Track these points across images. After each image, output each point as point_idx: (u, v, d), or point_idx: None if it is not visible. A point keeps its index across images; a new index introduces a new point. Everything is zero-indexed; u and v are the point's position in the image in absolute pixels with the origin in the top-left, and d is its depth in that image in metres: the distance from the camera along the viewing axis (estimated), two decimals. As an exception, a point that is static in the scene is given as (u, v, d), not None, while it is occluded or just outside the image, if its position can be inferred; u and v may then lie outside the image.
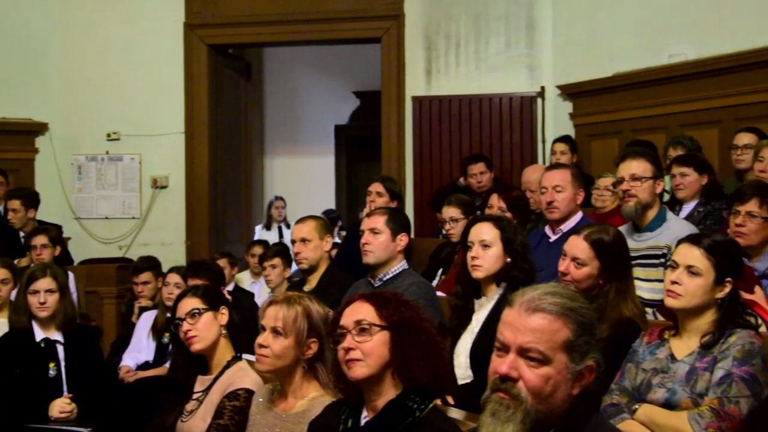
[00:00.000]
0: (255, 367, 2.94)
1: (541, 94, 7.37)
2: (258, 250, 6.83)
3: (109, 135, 8.04)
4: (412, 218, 7.61)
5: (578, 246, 3.21)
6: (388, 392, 2.36)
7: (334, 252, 5.77)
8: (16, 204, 6.23)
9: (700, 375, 2.70)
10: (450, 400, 3.42)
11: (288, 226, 8.35)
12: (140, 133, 7.94)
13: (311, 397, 2.79)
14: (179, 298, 3.39)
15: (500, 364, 1.88)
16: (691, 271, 2.79)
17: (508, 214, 4.65)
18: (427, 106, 7.57)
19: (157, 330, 5.20)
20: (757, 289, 3.43)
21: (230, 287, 6.32)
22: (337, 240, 7.06)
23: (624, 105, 6.72)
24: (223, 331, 3.30)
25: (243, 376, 3.16)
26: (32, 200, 6.38)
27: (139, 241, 8.05)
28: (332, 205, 10.68)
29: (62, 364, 4.20)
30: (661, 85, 6.43)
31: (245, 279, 7.05)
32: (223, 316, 3.32)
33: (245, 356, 3.34)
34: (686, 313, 2.82)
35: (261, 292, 6.48)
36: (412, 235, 7.22)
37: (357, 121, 11.02)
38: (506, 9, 7.42)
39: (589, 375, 1.90)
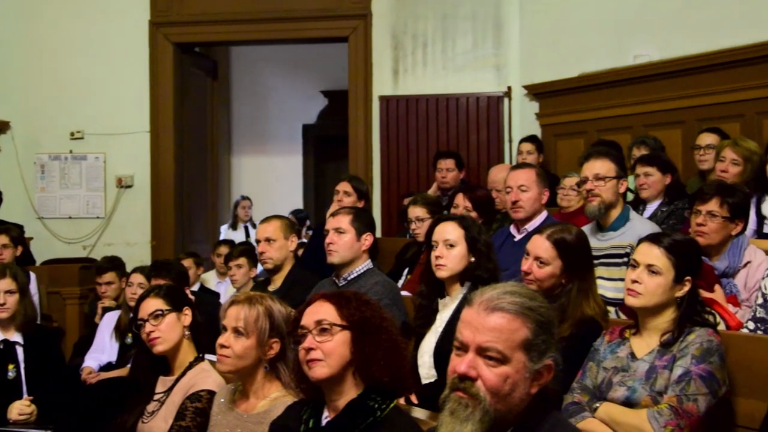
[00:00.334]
0: (216, 367, 2.91)
1: (508, 94, 7.40)
2: (224, 249, 6.77)
3: (72, 134, 7.95)
4: (379, 217, 7.62)
5: (541, 245, 3.23)
6: (349, 392, 2.35)
7: (300, 251, 5.78)
8: (-24, 204, 6.14)
9: (660, 373, 2.72)
10: (414, 399, 3.43)
11: (254, 226, 8.29)
12: (104, 132, 7.86)
13: (273, 398, 2.78)
14: (142, 298, 3.35)
15: (459, 363, 1.88)
16: (651, 270, 2.82)
17: (474, 214, 4.66)
18: (394, 105, 7.57)
19: (120, 330, 5.15)
20: (716, 287, 3.46)
21: (196, 287, 6.27)
22: (305, 240, 7.04)
23: (589, 105, 6.78)
24: (186, 332, 3.27)
25: (205, 377, 3.13)
26: (-7, 200, 6.29)
27: (104, 241, 7.96)
28: (300, 205, 10.65)
29: (21, 365, 4.14)
30: (626, 86, 6.49)
31: (211, 279, 7.00)
32: (186, 316, 3.29)
33: (208, 357, 3.31)
34: (646, 311, 2.85)
35: (227, 292, 6.43)
36: (379, 235, 7.25)
37: (325, 121, 11.00)
38: (473, 9, 7.45)
39: (548, 374, 1.91)
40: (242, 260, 5.78)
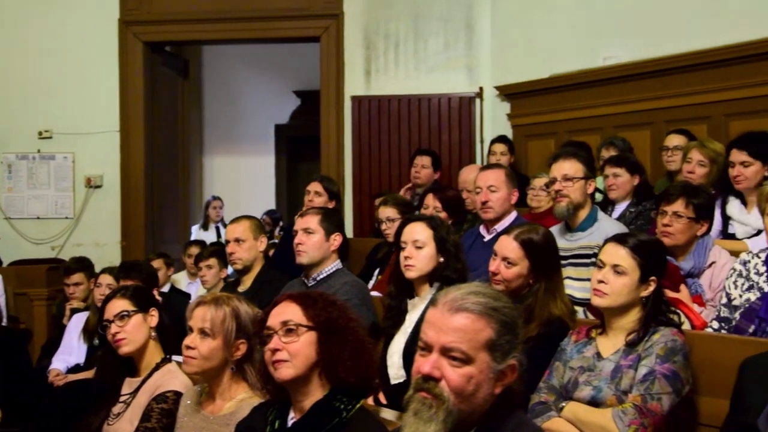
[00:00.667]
0: (182, 368, 2.90)
1: (480, 94, 7.42)
2: (194, 250, 6.72)
3: (40, 133, 7.84)
4: (351, 218, 7.61)
5: (508, 246, 3.24)
6: (315, 393, 2.35)
7: (271, 252, 5.76)
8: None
9: (625, 372, 2.75)
10: (383, 399, 3.43)
11: (226, 226, 8.25)
12: (73, 131, 7.75)
13: (239, 399, 2.77)
14: (107, 299, 3.33)
15: (423, 363, 1.88)
16: (616, 270, 2.84)
17: (443, 214, 4.68)
18: (366, 105, 7.56)
19: (88, 332, 5.10)
20: (682, 287, 3.49)
21: (166, 288, 6.24)
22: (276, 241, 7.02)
23: (560, 106, 6.81)
24: (153, 333, 3.25)
25: (171, 378, 3.11)
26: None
27: (73, 242, 7.87)
28: (272, 205, 10.62)
29: (-14, 368, 4.09)
30: (596, 87, 6.52)
31: (182, 279, 6.96)
32: (153, 317, 3.27)
33: (175, 358, 3.29)
34: (612, 311, 2.87)
35: (198, 293, 6.38)
36: (351, 235, 7.25)
37: (297, 121, 10.97)
38: (445, 10, 7.45)
39: (512, 374, 1.91)
40: (212, 261, 5.75)
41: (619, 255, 2.85)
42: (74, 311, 5.42)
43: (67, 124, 7.77)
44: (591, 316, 3.54)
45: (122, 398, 3.18)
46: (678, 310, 3.09)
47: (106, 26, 7.75)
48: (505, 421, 1.90)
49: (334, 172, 7.50)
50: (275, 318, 2.37)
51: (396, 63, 7.54)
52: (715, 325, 3.25)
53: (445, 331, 1.87)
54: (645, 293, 2.84)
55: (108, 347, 3.26)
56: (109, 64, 7.77)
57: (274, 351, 2.33)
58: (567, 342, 2.99)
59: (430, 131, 7.47)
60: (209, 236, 8.40)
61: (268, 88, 10.78)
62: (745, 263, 3.28)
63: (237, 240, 4.40)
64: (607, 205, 4.96)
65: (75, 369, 5.08)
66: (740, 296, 3.20)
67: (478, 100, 7.43)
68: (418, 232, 3.55)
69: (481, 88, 7.41)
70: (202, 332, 2.75)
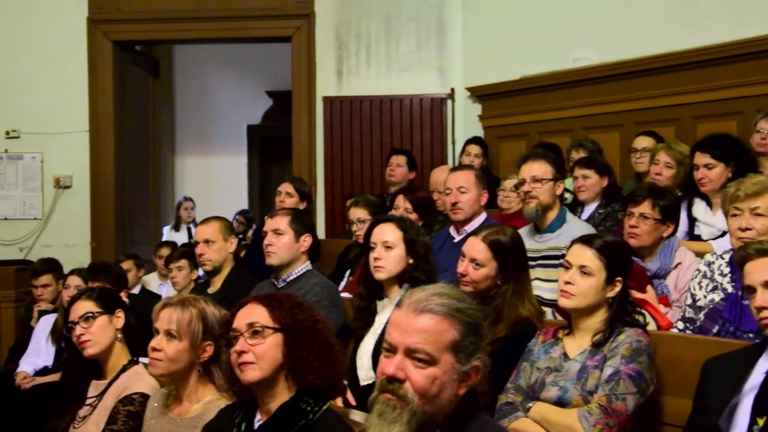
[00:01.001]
0: (149, 371, 2.87)
1: (451, 95, 7.44)
2: (165, 251, 6.67)
3: (8, 133, 7.74)
4: (323, 219, 7.60)
5: (476, 247, 3.25)
6: (282, 394, 2.34)
7: (242, 252, 5.73)
8: None
9: (591, 373, 2.77)
10: (352, 400, 3.43)
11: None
12: (42, 131, 7.66)
13: (206, 401, 2.75)
14: (72, 301, 3.29)
15: (387, 365, 1.88)
16: (583, 271, 2.86)
17: (414, 215, 4.69)
18: (338, 106, 7.56)
19: (56, 334, 5.05)
20: (649, 288, 3.53)
21: (137, 289, 6.19)
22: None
23: (531, 107, 6.85)
24: (119, 335, 3.22)
25: (138, 380, 3.09)
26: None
27: (42, 243, 7.78)
28: (245, 206, 10.56)
29: (-49, 370, 4.04)
30: (566, 89, 6.57)
31: (153, 281, 6.91)
32: (119, 319, 3.24)
33: (142, 360, 3.26)
34: (579, 312, 2.90)
35: (169, 295, 6.35)
36: (323, 236, 7.24)
37: (269, 121, 10.93)
38: (416, 10, 7.47)
39: (476, 375, 1.92)
40: (183, 262, 5.71)
41: (585, 256, 2.87)
42: (42, 313, 5.38)
43: (35, 124, 7.68)
44: (560, 317, 3.57)
45: (88, 401, 3.15)
46: (644, 311, 3.13)
47: (74, 25, 7.67)
48: (469, 422, 1.91)
49: (306, 172, 7.48)
50: (241, 320, 2.36)
51: (368, 63, 7.54)
52: (680, 325, 3.29)
53: (410, 332, 1.87)
54: (611, 294, 2.87)
55: (73, 349, 3.23)
56: (78, 63, 7.69)
57: (240, 353, 2.32)
58: (534, 343, 3.01)
59: (402, 132, 7.47)
60: (181, 237, 8.35)
61: (240, 88, 10.74)
62: (709, 264, 3.32)
63: (206, 241, 4.38)
64: (577, 206, 5.00)
65: (43, 371, 5.04)
66: (705, 297, 3.24)
67: (449, 101, 7.46)
68: (387, 233, 3.56)
69: (452, 89, 7.43)
70: (169, 334, 2.74)
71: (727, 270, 3.21)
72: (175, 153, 10.62)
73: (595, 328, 2.86)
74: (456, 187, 4.31)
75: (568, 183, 5.11)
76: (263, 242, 4.06)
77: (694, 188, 4.28)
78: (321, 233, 7.40)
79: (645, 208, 3.67)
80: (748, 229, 3.09)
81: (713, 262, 3.30)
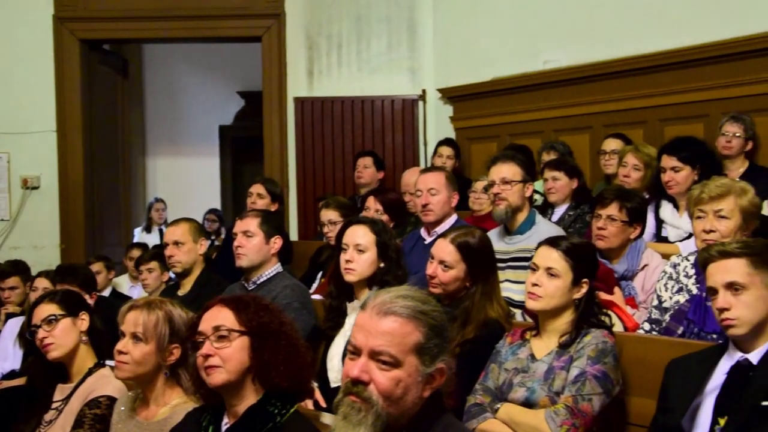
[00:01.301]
0: (115, 374, 2.85)
1: (423, 97, 7.44)
2: (136, 253, 6.63)
3: (-27, 133, 7.65)
4: (295, 220, 7.58)
5: (445, 249, 3.26)
6: (249, 397, 2.33)
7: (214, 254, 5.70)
8: None
9: (557, 374, 2.79)
10: (322, 402, 3.42)
11: (168, 229, 8.15)
12: (8, 130, 7.53)
13: (174, 404, 2.73)
14: (35, 304, 3.26)
15: (352, 367, 1.89)
16: (550, 273, 2.88)
17: (385, 217, 4.69)
18: (309, 107, 7.53)
19: (24, 337, 4.97)
20: (616, 290, 3.57)
21: (107, 292, 6.15)
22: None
23: (502, 109, 6.87)
24: (84, 338, 3.19)
25: (105, 383, 3.06)
26: None
27: (9, 245, 7.67)
28: (217, 207, 10.50)
29: None
30: (537, 91, 6.60)
31: (124, 283, 6.86)
32: (83, 321, 3.21)
33: (109, 363, 3.23)
34: (546, 314, 2.92)
35: (140, 297, 6.30)
36: (296, 238, 7.22)
37: (242, 122, 10.88)
38: (387, 11, 7.46)
39: (440, 377, 1.93)
40: (153, 264, 5.69)
41: (552, 258, 2.89)
42: (9, 316, 5.31)
43: (1, 123, 7.56)
44: (529, 319, 3.59)
45: (54, 405, 3.12)
46: (611, 312, 3.15)
47: (40, 23, 7.56)
48: (434, 424, 1.92)
49: (278, 174, 7.46)
50: (207, 323, 2.35)
51: (339, 64, 7.52)
52: (647, 326, 3.32)
53: (374, 334, 1.88)
54: (577, 295, 2.89)
55: (38, 353, 3.19)
56: (45, 61, 7.59)
57: (206, 356, 2.31)
58: (502, 344, 3.03)
59: (373, 133, 7.47)
60: (153, 239, 8.29)
61: (211, 88, 10.67)
62: (675, 266, 3.35)
63: (175, 243, 4.35)
64: (547, 208, 5.03)
65: (10, 375, 4.96)
66: (670, 298, 3.28)
67: (421, 103, 7.46)
68: (360, 236, 3.55)
69: (423, 91, 7.44)
70: (135, 337, 2.71)
71: (692, 272, 3.25)
72: (146, 153, 10.54)
73: (562, 329, 2.89)
74: (426, 188, 4.32)
75: (539, 185, 5.15)
76: (233, 244, 4.04)
77: (662, 190, 4.32)
78: (294, 235, 7.39)
79: (612, 210, 3.71)
80: (712, 231, 3.13)
81: (678, 264, 3.34)
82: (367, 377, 1.86)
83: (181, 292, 4.36)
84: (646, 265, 3.70)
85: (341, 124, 7.50)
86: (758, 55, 5.24)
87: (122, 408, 2.86)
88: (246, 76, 10.03)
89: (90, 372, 3.15)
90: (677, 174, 4.19)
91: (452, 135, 7.21)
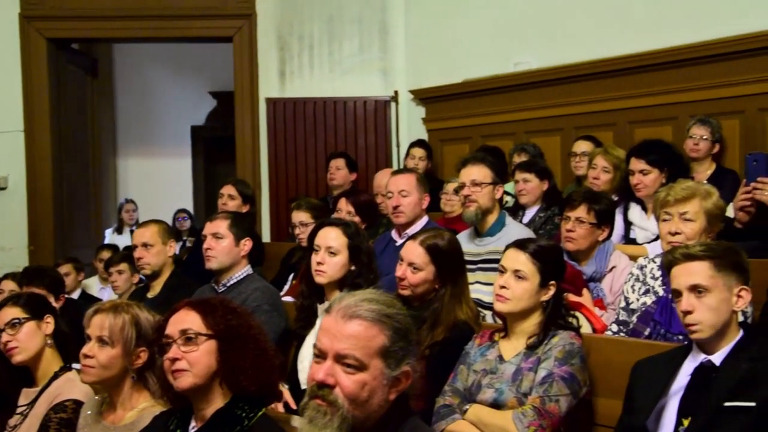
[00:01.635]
0: (81, 378, 2.82)
1: (395, 98, 7.45)
2: (106, 254, 6.58)
3: (-62, 132, 7.54)
4: (267, 221, 7.55)
5: (414, 251, 3.27)
6: (217, 401, 2.31)
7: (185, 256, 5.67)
8: None
9: (525, 375, 2.81)
10: (293, 405, 3.41)
11: (139, 230, 8.07)
12: (-26, 130, 7.48)
13: (141, 408, 2.71)
14: (-1, 307, 3.22)
15: (317, 370, 1.89)
16: (517, 275, 2.90)
17: (357, 218, 4.69)
18: (281, 108, 7.51)
19: (-11, 340, 4.90)
20: (585, 291, 3.58)
21: (76, 294, 6.09)
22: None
23: (473, 111, 6.90)
24: (49, 341, 3.15)
25: (71, 387, 3.03)
26: None
27: (-24, 246, 7.59)
28: (190, 208, 10.44)
29: None
30: (508, 93, 6.63)
31: (94, 285, 6.80)
32: (48, 325, 3.17)
33: (75, 366, 3.20)
34: (514, 316, 2.93)
35: (110, 299, 6.25)
36: (268, 239, 7.20)
37: (214, 122, 10.84)
38: (359, 12, 7.46)
39: (406, 380, 1.94)
40: (123, 266, 5.64)
41: (519, 260, 2.91)
42: (-25, 318, 5.22)
43: (-34, 123, 7.49)
44: (499, 320, 3.61)
45: (19, 409, 3.08)
46: (579, 314, 3.18)
47: (5, 21, 7.46)
48: (399, 427, 1.92)
49: (250, 175, 7.43)
50: (174, 326, 2.33)
51: (311, 65, 7.51)
52: (614, 328, 3.35)
53: (339, 338, 1.88)
54: (545, 297, 2.91)
55: (2, 357, 3.15)
56: (11, 60, 7.49)
57: (173, 360, 2.29)
58: (471, 345, 3.04)
59: (346, 134, 7.47)
60: (124, 240, 8.20)
61: (183, 88, 10.61)
62: (641, 268, 3.38)
63: (144, 245, 4.32)
64: (518, 209, 5.05)
65: (-24, 378, 4.89)
66: (637, 300, 3.30)
67: (393, 104, 7.47)
68: (332, 239, 3.53)
69: (396, 92, 7.45)
70: (101, 340, 2.68)
71: (658, 273, 3.27)
72: (117, 154, 10.44)
73: (530, 331, 2.91)
74: (397, 190, 4.32)
75: (510, 187, 5.17)
76: (202, 246, 4.02)
77: (630, 193, 4.36)
78: (266, 236, 7.36)
79: (581, 212, 3.73)
80: (677, 233, 3.16)
81: (645, 266, 3.37)
82: (333, 380, 1.86)
83: (150, 294, 4.34)
84: (614, 267, 3.73)
85: (313, 124, 7.49)
86: (726, 58, 5.32)
87: (89, 412, 2.83)
88: (218, 76, 9.98)
89: (56, 376, 3.11)
90: (645, 177, 4.23)
91: (424, 136, 7.23)
